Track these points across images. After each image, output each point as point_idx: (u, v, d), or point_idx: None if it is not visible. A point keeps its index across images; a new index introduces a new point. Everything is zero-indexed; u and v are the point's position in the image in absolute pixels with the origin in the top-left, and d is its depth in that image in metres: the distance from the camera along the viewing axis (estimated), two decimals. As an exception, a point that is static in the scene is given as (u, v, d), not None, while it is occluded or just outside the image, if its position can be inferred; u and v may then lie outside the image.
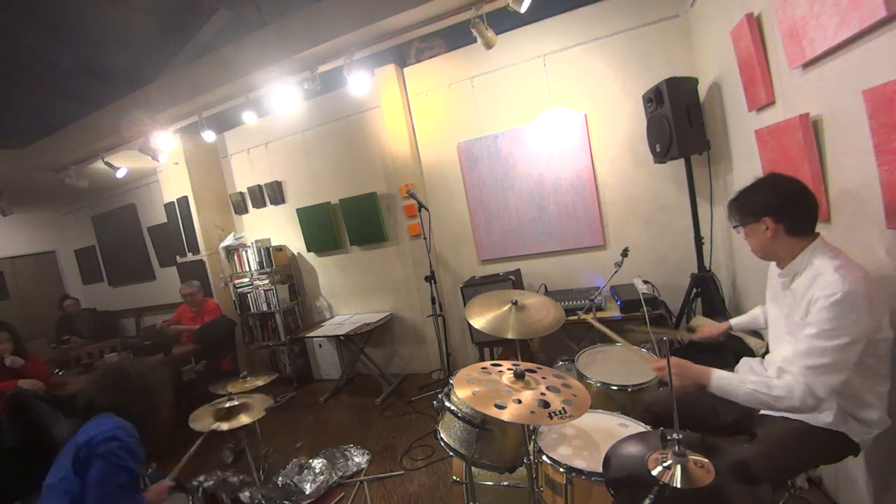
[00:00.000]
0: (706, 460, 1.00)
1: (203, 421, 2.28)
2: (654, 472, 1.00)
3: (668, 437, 1.03)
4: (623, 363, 2.06)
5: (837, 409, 1.34)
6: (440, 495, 2.51)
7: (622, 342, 1.93)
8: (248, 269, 4.76)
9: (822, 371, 1.23)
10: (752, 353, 1.85)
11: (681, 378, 1.38)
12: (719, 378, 1.36)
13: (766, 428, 1.47)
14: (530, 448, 1.50)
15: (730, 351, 2.04)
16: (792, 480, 1.42)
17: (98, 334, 5.63)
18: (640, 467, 1.03)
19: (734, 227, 1.51)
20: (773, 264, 1.62)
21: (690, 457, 1.00)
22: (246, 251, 4.75)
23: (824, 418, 1.36)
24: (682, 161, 2.79)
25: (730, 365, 1.77)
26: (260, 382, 2.74)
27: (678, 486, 0.95)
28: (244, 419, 2.31)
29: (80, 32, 3.61)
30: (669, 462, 1.00)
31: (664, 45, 3.11)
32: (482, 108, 3.77)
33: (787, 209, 1.37)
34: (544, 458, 1.42)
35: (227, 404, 2.40)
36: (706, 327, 1.94)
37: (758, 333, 1.88)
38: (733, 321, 1.90)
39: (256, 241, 4.73)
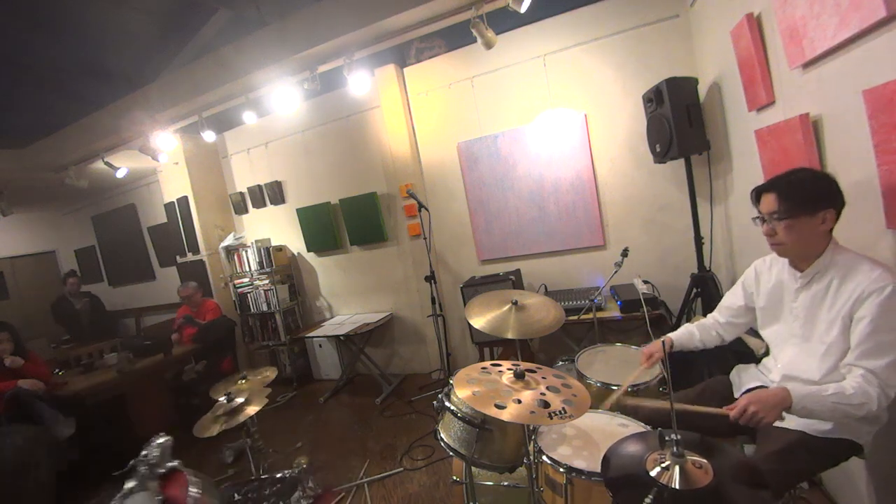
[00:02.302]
0: (705, 461, 1.00)
1: (209, 429, 2.25)
2: (653, 473, 1.00)
3: (667, 438, 1.03)
4: (623, 363, 2.06)
5: None
6: (440, 495, 2.51)
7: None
8: (248, 269, 4.76)
9: (892, 367, 1.17)
10: (752, 354, 1.85)
11: (766, 411, 1.23)
12: (801, 396, 1.23)
13: (765, 440, 1.43)
14: (530, 448, 1.50)
15: (730, 351, 2.04)
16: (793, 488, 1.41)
17: (95, 322, 5.65)
18: (639, 468, 1.03)
19: (776, 218, 1.34)
20: (758, 272, 1.59)
21: (689, 457, 1.00)
22: (246, 251, 4.75)
23: (822, 426, 1.33)
24: (682, 161, 2.79)
25: (730, 366, 1.77)
26: (269, 375, 2.68)
27: (676, 486, 0.95)
28: (250, 410, 2.28)
29: (80, 32, 3.62)
30: (668, 463, 1.00)
31: (664, 45, 3.11)
32: (482, 108, 3.77)
33: (839, 202, 1.30)
34: (544, 458, 1.41)
35: (229, 403, 2.36)
36: (650, 353, 1.72)
37: (757, 333, 1.88)
38: (675, 338, 1.75)
39: (256, 241, 4.73)
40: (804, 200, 1.30)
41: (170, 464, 1.67)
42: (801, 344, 1.43)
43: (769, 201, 1.37)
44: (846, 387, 1.20)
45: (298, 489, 2.21)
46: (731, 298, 1.71)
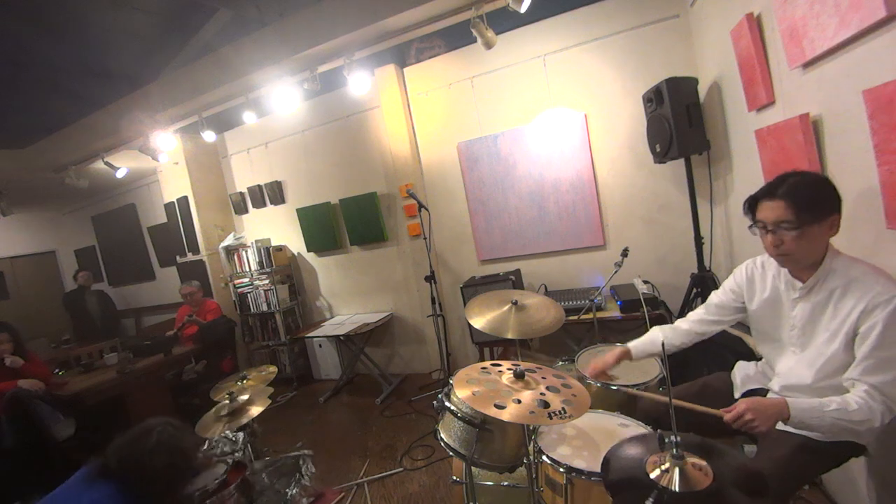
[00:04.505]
0: (704, 463, 0.99)
1: (211, 429, 2.24)
2: (653, 476, 0.99)
3: (666, 440, 1.02)
4: (623, 363, 2.06)
5: None
6: (440, 495, 2.51)
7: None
8: (248, 269, 4.76)
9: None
10: (751, 353, 1.84)
11: (763, 421, 1.23)
12: (800, 410, 1.22)
13: (767, 444, 1.41)
14: (530, 448, 1.50)
15: (729, 351, 2.04)
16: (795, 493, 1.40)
17: (105, 319, 5.70)
18: (639, 470, 1.03)
19: (786, 228, 1.27)
20: (750, 276, 1.56)
21: (689, 459, 0.99)
22: (246, 251, 4.75)
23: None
24: (682, 161, 2.79)
25: (729, 365, 1.76)
26: (271, 371, 2.67)
27: (676, 489, 0.95)
28: (254, 410, 2.25)
29: (81, 32, 3.61)
30: (667, 465, 0.99)
31: (664, 45, 3.11)
32: (482, 108, 3.77)
33: (840, 205, 1.26)
34: (544, 458, 1.41)
35: (231, 402, 2.35)
36: (595, 363, 1.75)
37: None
38: (633, 347, 1.76)
39: (256, 241, 4.72)
40: (814, 208, 1.25)
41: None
42: (798, 354, 1.41)
43: (776, 210, 1.29)
44: (850, 401, 1.17)
45: (302, 469, 2.26)
46: (723, 297, 1.66)
